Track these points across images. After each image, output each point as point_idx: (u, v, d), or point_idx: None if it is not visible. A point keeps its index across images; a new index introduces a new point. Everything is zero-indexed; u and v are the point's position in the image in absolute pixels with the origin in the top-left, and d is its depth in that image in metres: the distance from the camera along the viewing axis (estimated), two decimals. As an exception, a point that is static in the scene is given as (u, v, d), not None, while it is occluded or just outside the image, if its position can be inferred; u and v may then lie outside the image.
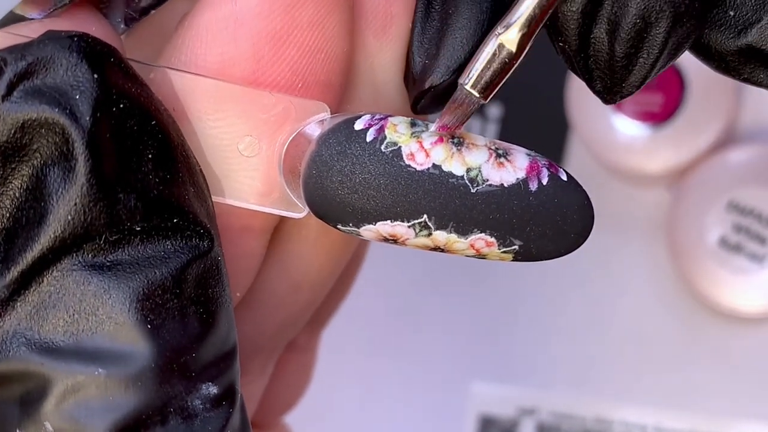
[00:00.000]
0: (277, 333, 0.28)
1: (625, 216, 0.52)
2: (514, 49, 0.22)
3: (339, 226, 0.22)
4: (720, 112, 0.49)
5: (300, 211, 0.24)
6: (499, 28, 0.22)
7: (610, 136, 0.50)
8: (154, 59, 0.24)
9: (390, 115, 0.22)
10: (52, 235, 0.20)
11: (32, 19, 0.22)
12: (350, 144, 0.22)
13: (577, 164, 0.52)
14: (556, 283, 0.52)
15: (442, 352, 0.53)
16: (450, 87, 0.23)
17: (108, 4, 0.23)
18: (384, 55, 0.24)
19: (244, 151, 0.23)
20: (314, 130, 0.23)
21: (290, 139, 0.23)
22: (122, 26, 0.24)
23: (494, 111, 0.53)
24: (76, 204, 0.20)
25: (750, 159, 0.49)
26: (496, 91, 0.22)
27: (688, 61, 0.51)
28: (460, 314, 0.53)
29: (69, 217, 0.20)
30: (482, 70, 0.22)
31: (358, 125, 0.22)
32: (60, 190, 0.20)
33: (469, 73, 0.22)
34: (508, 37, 0.22)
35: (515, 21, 0.22)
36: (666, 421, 0.50)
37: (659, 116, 0.50)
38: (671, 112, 0.49)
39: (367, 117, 0.22)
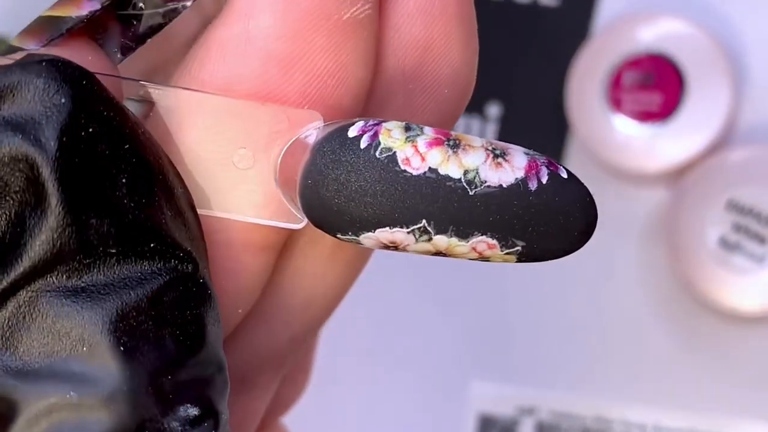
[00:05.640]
0: (287, 349, 0.27)
1: (624, 216, 0.52)
2: None
3: (338, 235, 0.22)
4: (719, 112, 0.49)
5: (299, 222, 0.23)
6: None
7: (610, 135, 0.50)
8: (158, 68, 0.23)
9: (384, 121, 0.22)
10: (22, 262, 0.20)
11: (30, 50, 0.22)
12: (344, 152, 0.21)
13: (576, 164, 0.52)
14: (556, 283, 0.52)
15: (441, 352, 0.53)
16: None
17: (104, 34, 0.23)
18: None
19: (239, 164, 0.23)
20: (308, 139, 0.22)
21: (285, 149, 0.23)
22: (119, 56, 0.23)
23: (494, 110, 0.53)
24: (45, 231, 0.20)
25: (749, 158, 0.49)
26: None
27: (687, 60, 0.51)
28: (460, 314, 0.53)
29: (38, 243, 0.20)
30: None
31: (352, 132, 0.21)
32: (29, 218, 0.20)
33: None
34: None
35: None
36: (665, 421, 0.50)
37: (658, 116, 0.49)
38: (670, 112, 0.49)
39: (361, 123, 0.22)
